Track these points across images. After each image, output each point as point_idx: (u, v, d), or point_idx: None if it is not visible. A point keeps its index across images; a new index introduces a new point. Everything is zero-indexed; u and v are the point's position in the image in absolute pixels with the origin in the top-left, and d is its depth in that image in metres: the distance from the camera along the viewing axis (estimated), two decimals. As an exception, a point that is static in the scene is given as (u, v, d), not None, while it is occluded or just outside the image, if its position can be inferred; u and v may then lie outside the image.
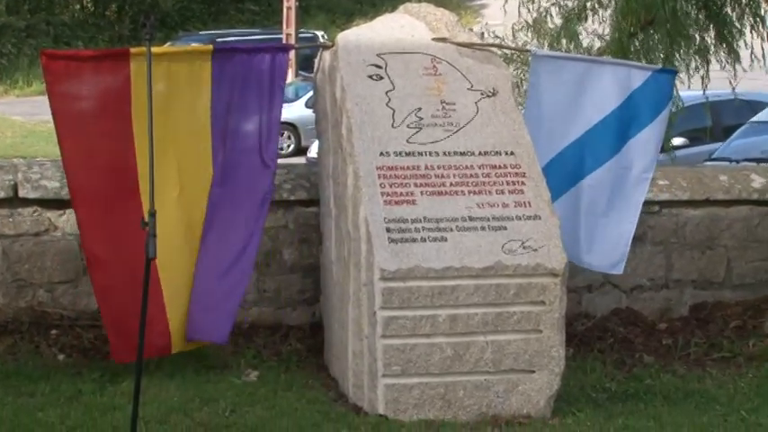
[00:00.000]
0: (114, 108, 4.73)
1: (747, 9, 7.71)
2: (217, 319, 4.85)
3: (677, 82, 7.76)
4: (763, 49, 7.95)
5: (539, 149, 5.01)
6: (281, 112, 5.04)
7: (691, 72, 7.96)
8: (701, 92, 8.54)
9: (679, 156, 12.13)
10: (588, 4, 8.08)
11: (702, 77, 8.00)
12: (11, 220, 5.44)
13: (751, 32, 7.82)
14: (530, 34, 8.39)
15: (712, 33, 7.90)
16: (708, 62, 7.91)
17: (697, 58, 7.86)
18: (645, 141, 5.40)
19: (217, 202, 4.95)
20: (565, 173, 5.30)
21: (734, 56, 7.89)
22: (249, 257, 4.92)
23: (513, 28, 8.47)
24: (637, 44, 7.77)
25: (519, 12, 8.47)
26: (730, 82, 8.04)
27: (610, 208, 5.37)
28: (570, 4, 8.26)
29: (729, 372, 5.47)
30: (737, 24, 7.78)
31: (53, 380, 4.84)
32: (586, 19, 8.27)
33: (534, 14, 8.39)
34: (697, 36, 7.91)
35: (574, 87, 5.35)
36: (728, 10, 7.76)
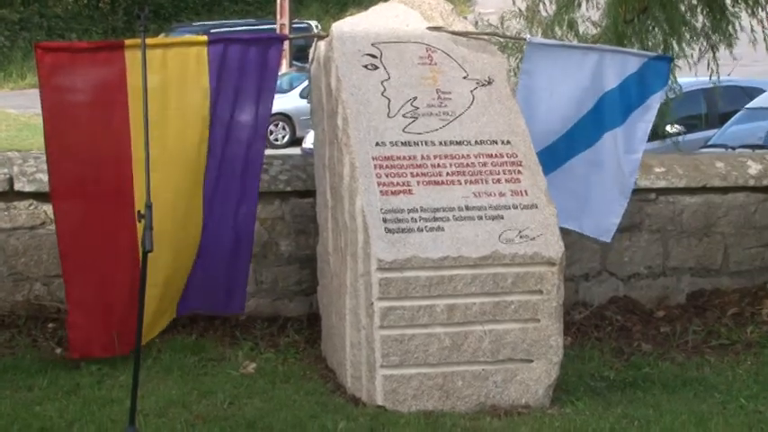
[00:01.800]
0: (110, 99, 4.73)
1: None
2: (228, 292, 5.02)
3: (675, 69, 7.78)
4: (762, 32, 7.92)
5: (533, 137, 5.02)
6: (272, 103, 5.05)
7: (692, 59, 7.93)
8: (696, 78, 8.52)
9: (675, 142, 12.12)
10: None
11: (709, 62, 7.97)
12: (6, 213, 5.43)
13: (749, 16, 7.80)
14: (522, 22, 8.36)
15: (707, 18, 7.88)
16: (714, 49, 7.88)
17: (703, 42, 7.83)
18: (635, 123, 5.44)
19: (212, 194, 4.96)
20: (558, 155, 5.36)
21: (729, 41, 7.87)
22: (247, 245, 5.01)
23: (502, 17, 8.43)
24: (633, 29, 7.75)
25: (513, 0, 8.44)
26: (713, 70, 8.00)
27: (601, 180, 5.44)
28: None
29: (728, 359, 5.47)
30: (732, 9, 7.76)
31: (51, 373, 4.83)
32: (580, 6, 8.24)
33: (528, 2, 8.35)
34: (693, 21, 7.88)
35: (569, 74, 5.35)
36: None
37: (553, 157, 5.33)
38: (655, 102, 5.49)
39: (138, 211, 4.03)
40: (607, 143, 5.43)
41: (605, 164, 5.45)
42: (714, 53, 7.91)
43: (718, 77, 8.10)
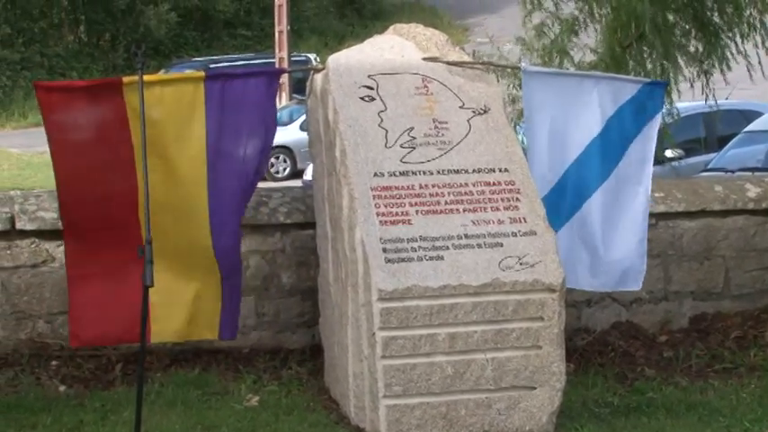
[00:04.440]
0: (113, 136, 4.76)
1: (735, 18, 7.74)
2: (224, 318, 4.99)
3: (674, 94, 7.82)
4: (757, 56, 7.98)
5: (543, 170, 5.01)
6: (273, 137, 5.07)
7: (690, 81, 7.96)
8: (694, 102, 8.55)
9: (674, 166, 12.13)
10: (580, 18, 8.10)
11: (703, 86, 8.00)
12: (9, 252, 5.45)
13: (742, 41, 7.85)
14: (522, 50, 8.42)
15: (701, 43, 7.93)
16: (708, 73, 7.92)
17: (699, 67, 7.87)
18: (637, 153, 5.41)
19: (215, 229, 4.98)
20: (570, 195, 5.26)
21: (725, 65, 7.91)
22: (236, 276, 5.03)
23: (500, 48, 8.48)
24: (630, 55, 7.80)
25: (524, 26, 8.42)
26: (708, 96, 8.04)
27: (615, 226, 5.35)
28: (561, 18, 8.28)
29: (731, 383, 5.46)
30: (727, 33, 7.81)
31: (55, 411, 4.83)
32: (577, 34, 8.30)
33: (524, 31, 8.41)
34: (688, 47, 7.94)
35: (566, 103, 5.36)
36: (717, 19, 7.78)
37: (562, 203, 5.21)
38: (653, 129, 5.47)
39: (139, 246, 4.05)
40: (615, 179, 5.31)
41: (618, 203, 5.30)
42: (708, 78, 7.95)
43: (716, 101, 8.13)
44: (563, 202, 5.21)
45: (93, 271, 4.79)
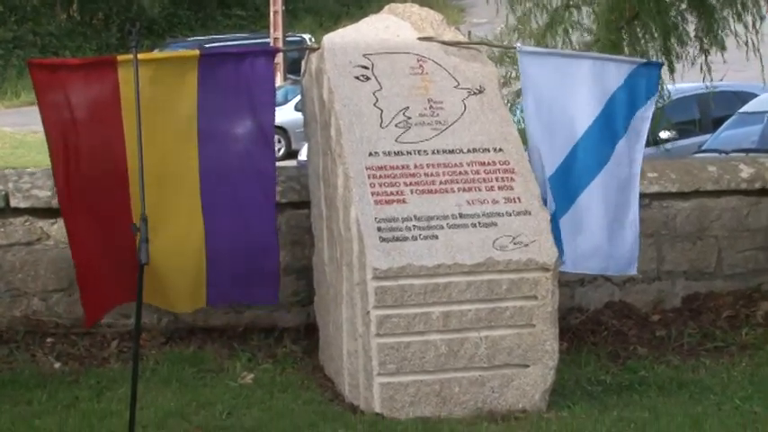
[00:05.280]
0: (105, 115, 4.76)
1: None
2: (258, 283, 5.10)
3: (668, 75, 7.83)
4: (746, 36, 7.98)
5: (547, 151, 5.03)
6: (274, 116, 5.06)
7: (686, 62, 7.97)
8: (689, 84, 8.55)
9: (669, 148, 12.16)
10: (572, 1, 8.10)
11: (702, 67, 7.99)
12: (3, 230, 5.45)
13: (735, 22, 7.85)
14: (516, 34, 8.41)
15: (697, 24, 7.93)
16: (706, 53, 7.91)
17: (695, 47, 7.87)
18: (634, 134, 5.42)
19: (211, 208, 4.99)
20: (574, 177, 5.26)
21: (720, 45, 7.92)
22: (269, 245, 5.07)
23: (500, 32, 8.48)
24: (625, 36, 7.80)
25: (506, 18, 8.45)
26: (705, 75, 8.04)
27: (614, 209, 5.36)
28: (555, 2, 8.27)
29: (723, 361, 5.50)
30: (721, 13, 7.82)
31: (50, 388, 4.85)
32: (572, 15, 8.29)
33: (519, 12, 8.40)
34: (684, 27, 7.94)
35: (562, 83, 5.35)
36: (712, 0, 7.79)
37: (566, 188, 5.19)
38: (649, 110, 5.48)
39: (134, 224, 4.06)
40: (614, 161, 5.31)
41: (617, 186, 5.32)
42: (706, 57, 7.95)
43: (711, 81, 8.13)
44: (567, 184, 5.22)
45: (94, 251, 4.81)
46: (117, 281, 4.80)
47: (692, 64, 8.04)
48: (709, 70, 8.02)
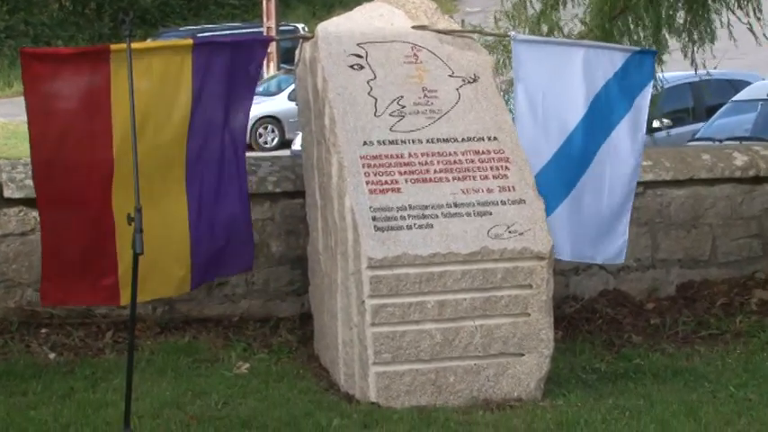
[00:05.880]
0: (94, 105, 4.74)
1: None
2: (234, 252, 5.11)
3: (661, 63, 7.82)
4: (733, 24, 7.98)
5: (539, 141, 5.03)
6: (251, 104, 5.08)
7: (682, 50, 7.97)
8: (682, 72, 8.55)
9: (662, 137, 12.18)
10: None
11: (692, 55, 7.97)
12: (-4, 220, 5.44)
13: (727, 10, 7.85)
14: (510, 22, 8.40)
15: (688, 14, 7.93)
16: (697, 42, 7.90)
17: (685, 37, 7.87)
18: (630, 123, 5.41)
19: (194, 193, 4.97)
20: (569, 167, 5.27)
21: (710, 35, 7.92)
22: (243, 218, 5.09)
23: (495, 17, 8.46)
24: (618, 26, 7.79)
25: (501, 3, 8.45)
26: (700, 64, 8.04)
27: (608, 198, 5.36)
28: None
29: (717, 349, 5.52)
30: (713, 4, 7.82)
31: (45, 378, 4.84)
32: (565, 5, 8.28)
33: (513, 1, 8.38)
34: (676, 17, 7.93)
35: (556, 72, 5.35)
36: None
37: (560, 177, 5.20)
38: (645, 99, 5.46)
39: (129, 215, 4.05)
40: (608, 150, 5.31)
41: (609, 178, 5.31)
42: (695, 48, 7.95)
43: (706, 69, 8.12)
44: (562, 173, 5.22)
45: (66, 239, 4.79)
46: (83, 275, 4.78)
47: (685, 56, 8.03)
48: (703, 62, 8.00)
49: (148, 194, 4.68)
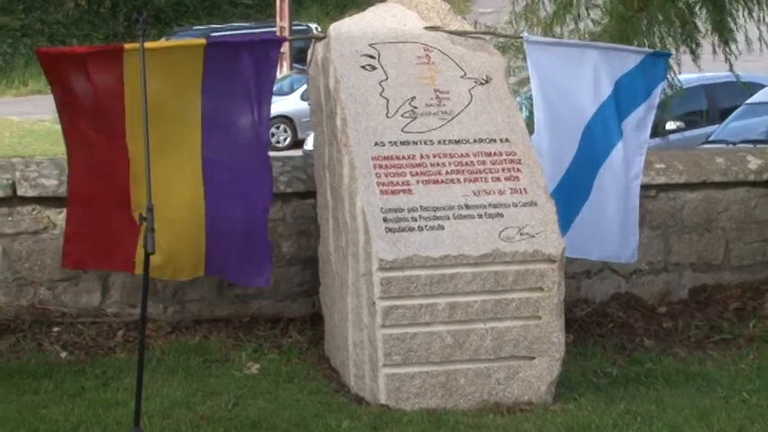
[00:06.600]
0: (108, 104, 4.77)
1: None
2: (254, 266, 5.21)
3: (675, 65, 7.80)
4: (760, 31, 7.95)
5: (559, 142, 5.05)
6: (270, 105, 5.11)
7: (696, 53, 7.94)
8: (696, 74, 8.50)
9: (675, 139, 12.14)
10: None
11: (720, 53, 7.93)
12: (10, 218, 5.45)
13: (743, 15, 7.82)
14: (523, 23, 8.38)
15: (708, 15, 7.90)
16: (727, 43, 7.87)
17: (707, 39, 7.84)
18: (639, 123, 5.42)
19: (212, 196, 5.00)
20: (586, 168, 5.29)
21: (728, 38, 7.88)
22: (260, 228, 5.16)
23: (511, 16, 8.43)
24: (635, 27, 7.76)
25: (513, 3, 8.43)
26: (731, 63, 8.01)
27: (618, 198, 5.38)
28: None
29: (730, 353, 5.49)
30: (729, 7, 7.78)
31: (56, 377, 4.85)
32: (579, 4, 8.25)
33: (527, 2, 8.36)
34: (692, 19, 7.90)
35: (569, 73, 5.35)
36: None
37: (581, 180, 5.24)
38: (655, 99, 5.48)
39: (140, 214, 4.06)
40: (617, 153, 5.34)
41: (619, 179, 5.35)
42: (728, 47, 7.90)
43: (731, 70, 8.09)
44: (583, 173, 5.25)
45: (90, 207, 5.01)
46: (103, 241, 5.00)
47: (715, 55, 7.99)
48: (730, 64, 7.97)
49: (165, 192, 4.74)
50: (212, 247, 5.08)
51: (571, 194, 5.19)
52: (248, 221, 5.13)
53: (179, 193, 4.93)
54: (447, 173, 4.77)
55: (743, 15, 7.80)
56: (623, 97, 5.40)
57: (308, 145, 15.95)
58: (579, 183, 5.25)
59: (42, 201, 5.45)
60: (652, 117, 5.51)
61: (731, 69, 8.02)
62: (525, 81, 7.36)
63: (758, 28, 7.88)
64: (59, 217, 5.46)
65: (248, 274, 5.22)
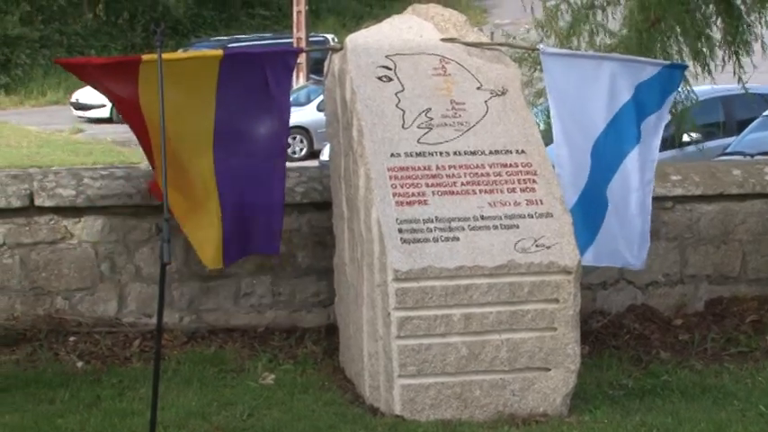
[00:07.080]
0: (127, 112, 4.82)
1: (758, 4, 7.69)
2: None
3: (692, 77, 7.78)
4: None
5: (579, 151, 5.08)
6: (289, 115, 5.14)
7: (715, 65, 7.92)
8: (713, 86, 8.47)
9: (692, 151, 12.09)
10: (596, 2, 8.05)
11: (734, 68, 7.91)
12: (27, 228, 5.49)
13: (761, 24, 7.80)
14: (540, 33, 8.37)
15: (725, 25, 7.87)
16: (737, 55, 7.85)
17: (724, 50, 7.82)
18: (652, 133, 5.43)
19: (226, 205, 5.03)
20: (604, 179, 5.31)
21: (745, 49, 7.86)
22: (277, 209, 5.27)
23: (535, 26, 8.43)
24: (652, 39, 7.74)
25: (531, 10, 8.43)
26: (740, 77, 7.98)
27: (629, 204, 5.39)
28: (580, 1, 8.22)
29: (747, 366, 5.45)
30: (746, 17, 7.76)
31: (72, 386, 4.87)
32: (596, 16, 8.24)
33: (544, 13, 8.35)
34: (708, 31, 7.88)
35: (586, 84, 5.34)
36: (739, 3, 7.73)
37: (602, 190, 5.26)
38: (665, 110, 5.50)
39: (156, 225, 4.09)
40: (633, 158, 5.36)
41: (635, 184, 5.37)
42: (739, 59, 7.88)
43: (740, 82, 8.05)
44: (602, 183, 5.26)
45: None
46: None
47: (722, 68, 7.97)
48: (743, 74, 7.94)
49: (181, 206, 4.78)
50: (227, 249, 5.15)
51: (594, 204, 5.20)
52: (264, 221, 5.19)
53: (194, 209, 4.98)
54: (462, 184, 4.77)
55: (760, 24, 7.78)
56: (643, 100, 5.41)
57: (324, 156, 15.98)
58: (600, 191, 5.26)
59: (60, 211, 5.48)
60: (663, 125, 5.53)
61: (740, 81, 7.98)
62: (542, 92, 7.36)
63: None
64: (77, 227, 5.49)
65: (258, 244, 5.29)
